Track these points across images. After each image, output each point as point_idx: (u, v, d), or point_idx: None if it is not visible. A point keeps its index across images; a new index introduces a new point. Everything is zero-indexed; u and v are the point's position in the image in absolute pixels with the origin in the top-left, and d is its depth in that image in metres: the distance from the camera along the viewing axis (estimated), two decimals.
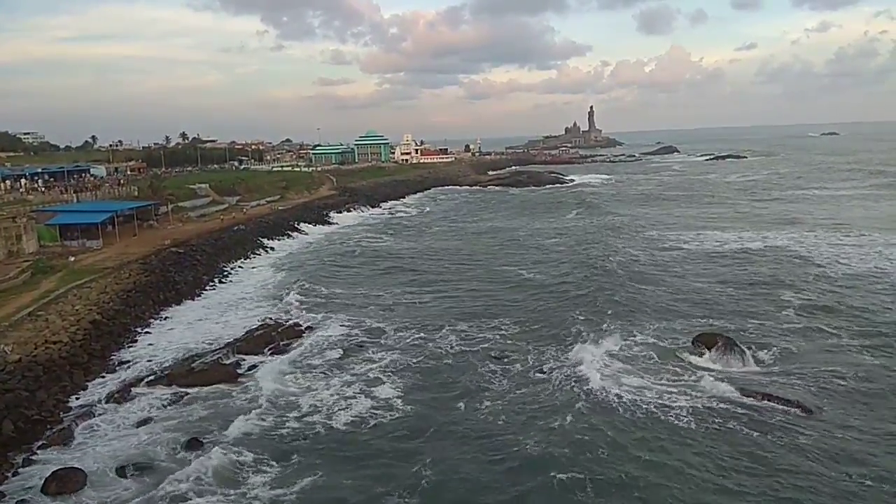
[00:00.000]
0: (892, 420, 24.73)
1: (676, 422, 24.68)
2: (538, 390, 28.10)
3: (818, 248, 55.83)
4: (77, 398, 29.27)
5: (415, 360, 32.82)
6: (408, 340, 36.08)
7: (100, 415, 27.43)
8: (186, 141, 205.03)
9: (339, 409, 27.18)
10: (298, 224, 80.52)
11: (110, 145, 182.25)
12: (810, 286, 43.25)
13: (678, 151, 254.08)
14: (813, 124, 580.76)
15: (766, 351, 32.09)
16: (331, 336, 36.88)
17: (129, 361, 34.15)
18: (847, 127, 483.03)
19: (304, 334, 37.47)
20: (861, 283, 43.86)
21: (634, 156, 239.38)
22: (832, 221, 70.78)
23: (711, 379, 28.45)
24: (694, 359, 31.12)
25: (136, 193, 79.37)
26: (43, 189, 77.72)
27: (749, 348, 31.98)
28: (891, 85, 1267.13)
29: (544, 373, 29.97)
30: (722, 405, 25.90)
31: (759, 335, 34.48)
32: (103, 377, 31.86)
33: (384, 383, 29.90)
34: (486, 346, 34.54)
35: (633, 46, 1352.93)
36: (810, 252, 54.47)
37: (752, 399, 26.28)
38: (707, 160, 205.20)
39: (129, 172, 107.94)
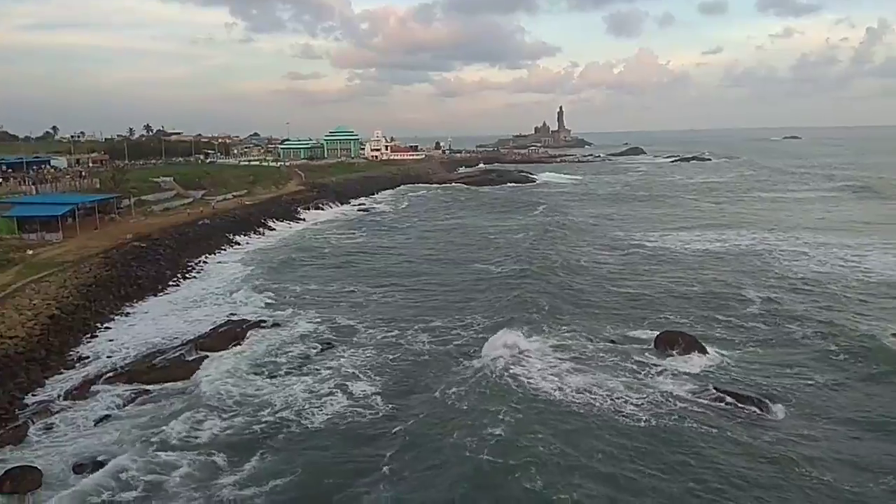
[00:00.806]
0: (852, 417, 25.40)
1: (635, 421, 24.95)
2: (504, 387, 28.17)
3: (779, 249, 57.12)
4: (34, 395, 28.61)
5: (385, 357, 32.71)
6: (378, 337, 35.94)
7: (57, 412, 26.83)
8: (151, 133, 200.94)
9: (304, 407, 26.96)
10: (266, 219, 79.58)
11: (72, 136, 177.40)
12: (772, 286, 44.22)
13: (645, 153, 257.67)
14: (776, 128, 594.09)
15: (728, 349, 32.76)
16: (298, 333, 36.58)
17: (88, 357, 33.48)
18: (808, 131, 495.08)
19: (270, 331, 37.06)
20: (819, 283, 44.96)
21: (601, 156, 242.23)
22: (792, 223, 72.54)
23: (673, 377, 28.96)
24: (657, 357, 31.60)
25: (97, 186, 77.52)
26: (0, 180, 75.43)
27: (712, 346, 32.61)
28: (850, 91, 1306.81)
29: (511, 369, 30.02)
30: (683, 404, 26.33)
31: (722, 334, 35.20)
32: (61, 373, 31.17)
33: (352, 380, 29.72)
34: (458, 342, 34.57)
35: (602, 48, 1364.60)
36: (771, 253, 55.71)
37: (714, 397, 26.75)
38: (673, 161, 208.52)
39: (90, 164, 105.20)
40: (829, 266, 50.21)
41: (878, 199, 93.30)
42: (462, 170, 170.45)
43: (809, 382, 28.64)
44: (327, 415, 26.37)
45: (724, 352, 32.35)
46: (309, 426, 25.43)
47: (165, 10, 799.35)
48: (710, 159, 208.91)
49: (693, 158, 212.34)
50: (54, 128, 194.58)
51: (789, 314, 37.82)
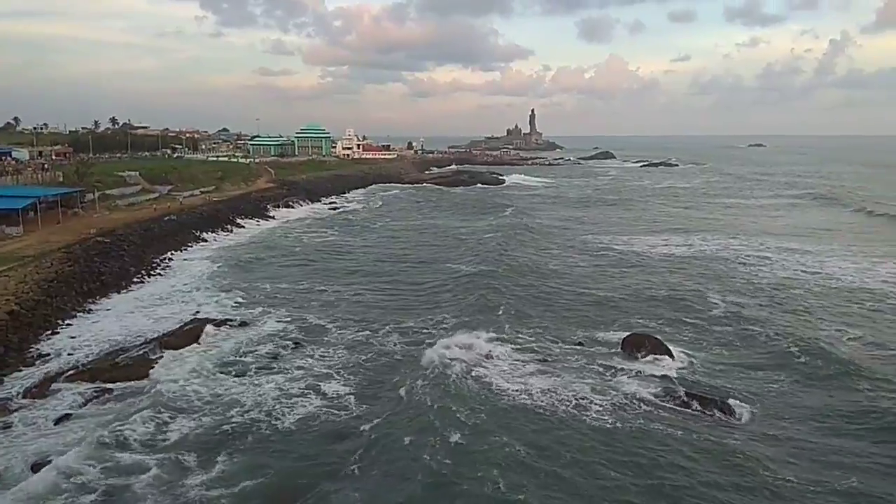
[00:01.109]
0: (813, 418, 25.87)
1: (600, 423, 25.15)
2: (469, 388, 28.27)
3: (743, 255, 58.25)
4: None
5: (355, 357, 32.48)
6: (348, 336, 35.61)
7: (15, 410, 26.13)
8: (116, 126, 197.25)
9: (273, 407, 26.60)
10: (235, 216, 78.60)
11: (34, 128, 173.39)
12: (736, 291, 45.04)
13: (614, 157, 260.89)
14: (741, 136, 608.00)
15: (694, 352, 33.27)
16: (267, 332, 36.10)
17: (49, 355, 32.67)
18: (772, 140, 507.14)
19: (238, 330, 36.55)
20: (782, 288, 45.94)
21: (571, 159, 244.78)
22: (756, 229, 74.17)
23: (640, 380, 29.22)
24: (623, 360, 31.95)
25: (60, 179, 75.85)
26: None
27: (678, 349, 33.07)
28: (813, 101, 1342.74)
29: (476, 370, 30.13)
30: (648, 406, 26.67)
31: (688, 336, 35.73)
32: (20, 371, 30.40)
33: (323, 379, 29.43)
34: (430, 341, 34.17)
35: (573, 53, 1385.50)
36: (736, 258, 56.80)
37: (679, 399, 27.11)
38: (641, 167, 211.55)
39: (53, 157, 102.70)
40: (791, 271, 51.41)
41: (839, 206, 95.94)
42: (434, 170, 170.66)
43: (772, 385, 29.26)
44: (297, 415, 26.05)
45: (689, 354, 32.87)
46: (278, 426, 25.09)
47: (134, 2, 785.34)
48: (677, 165, 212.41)
49: (661, 164, 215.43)
50: (16, 118, 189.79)
51: (753, 318, 38.55)
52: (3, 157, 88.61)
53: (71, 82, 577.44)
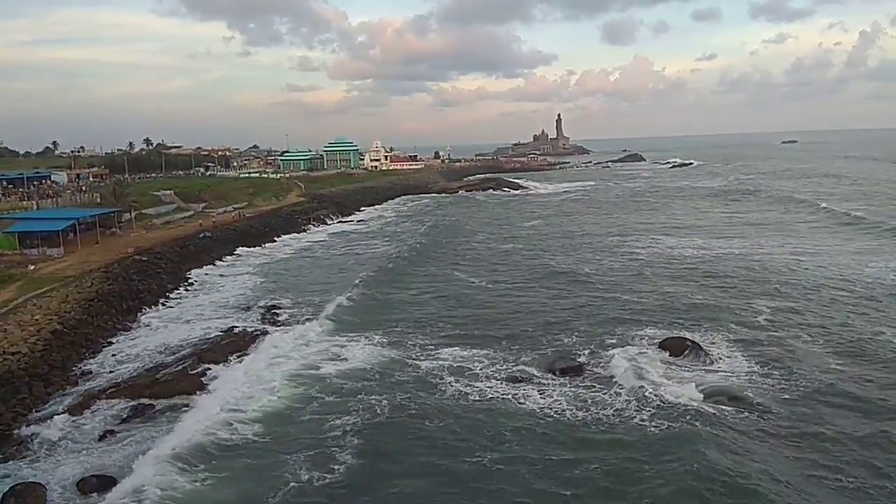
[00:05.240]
0: (859, 426, 24.89)
1: (642, 427, 24.90)
2: (507, 402, 28.19)
3: (782, 255, 56.79)
4: (37, 411, 28.52)
5: (394, 371, 31.88)
6: (385, 351, 34.77)
7: (60, 428, 26.61)
8: (150, 147, 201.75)
9: (306, 419, 26.72)
10: (268, 231, 79.68)
11: (72, 151, 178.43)
12: (779, 292, 43.75)
13: (644, 160, 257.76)
14: (773, 132, 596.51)
15: (733, 356, 32.36)
16: (303, 343, 36.06)
17: (91, 372, 33.37)
18: (805, 135, 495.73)
19: (275, 341, 36.62)
20: (824, 290, 44.65)
21: (600, 163, 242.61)
22: (792, 228, 72.69)
23: (678, 384, 28.69)
24: (660, 364, 31.38)
25: (98, 200, 77.71)
26: (1, 196, 75.63)
27: (716, 353, 32.37)
28: (845, 95, 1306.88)
29: (513, 382, 30.07)
30: (687, 411, 26.06)
31: (727, 340, 34.70)
32: (64, 389, 31.08)
33: (363, 392, 29.38)
34: (469, 359, 33.73)
35: (597, 56, 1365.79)
36: (776, 258, 55.40)
37: (718, 404, 26.55)
38: (672, 167, 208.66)
39: (91, 179, 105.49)
40: (831, 271, 49.79)
41: (876, 205, 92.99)
42: (466, 179, 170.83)
43: (819, 392, 27.94)
44: (359, 421, 25.89)
45: (729, 358, 32.03)
46: (336, 437, 25.19)
47: (164, 25, 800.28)
48: (707, 164, 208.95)
49: (693, 164, 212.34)
50: (54, 143, 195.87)
51: (796, 322, 37.27)
52: (44, 181, 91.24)
53: (106, 105, 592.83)
